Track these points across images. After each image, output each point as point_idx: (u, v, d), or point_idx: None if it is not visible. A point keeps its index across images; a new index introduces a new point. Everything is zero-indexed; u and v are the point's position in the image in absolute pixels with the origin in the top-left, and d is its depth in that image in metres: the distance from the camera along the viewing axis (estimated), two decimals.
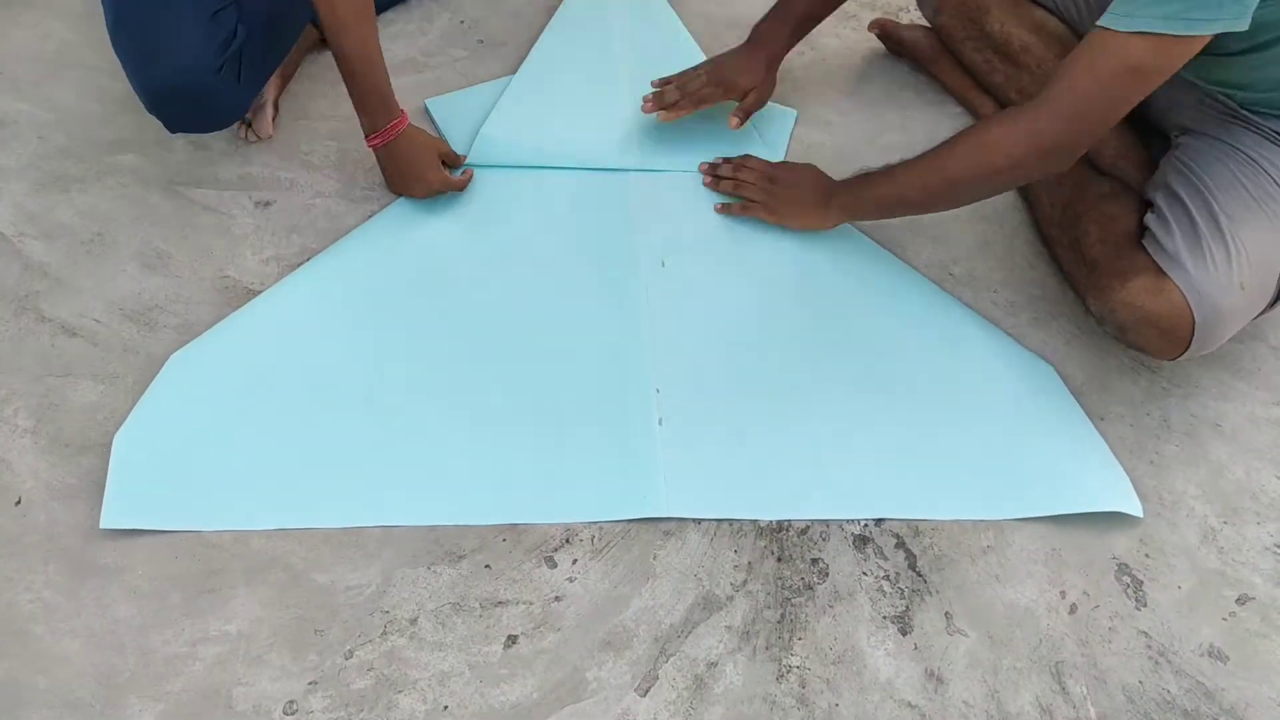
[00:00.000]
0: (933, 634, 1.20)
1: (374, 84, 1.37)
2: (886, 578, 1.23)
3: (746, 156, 1.55)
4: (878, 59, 1.76)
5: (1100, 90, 1.18)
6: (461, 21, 1.75)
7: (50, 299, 1.36)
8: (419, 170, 1.44)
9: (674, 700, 1.13)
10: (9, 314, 1.34)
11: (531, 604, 1.18)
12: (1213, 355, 1.43)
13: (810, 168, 1.52)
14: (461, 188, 1.49)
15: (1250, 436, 1.39)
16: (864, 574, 1.23)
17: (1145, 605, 1.24)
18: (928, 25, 1.71)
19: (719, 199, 1.54)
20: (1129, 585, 1.25)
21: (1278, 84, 1.30)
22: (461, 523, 1.22)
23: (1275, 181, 1.31)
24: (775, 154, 1.60)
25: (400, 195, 1.49)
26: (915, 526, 1.27)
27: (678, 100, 1.54)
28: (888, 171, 1.39)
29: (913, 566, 1.25)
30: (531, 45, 1.70)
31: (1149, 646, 1.21)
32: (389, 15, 1.75)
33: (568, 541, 1.22)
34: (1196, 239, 1.27)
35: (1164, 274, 1.27)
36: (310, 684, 1.11)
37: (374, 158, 1.46)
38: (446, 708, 1.10)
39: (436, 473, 1.26)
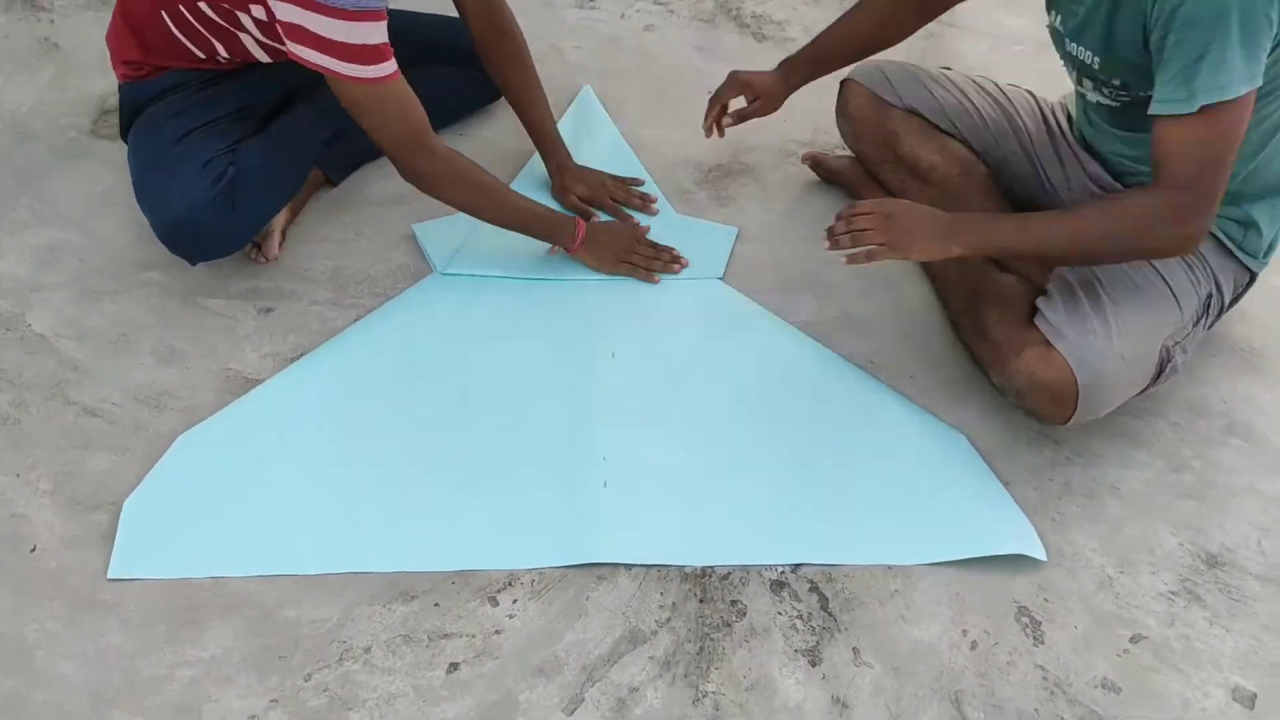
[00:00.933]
0: (840, 665, 1.31)
1: (538, 220, 1.72)
2: (800, 617, 1.35)
3: (852, 204, 1.51)
4: (813, 186, 1.99)
5: (1199, 167, 1.32)
6: None
7: (77, 387, 1.57)
8: (619, 253, 1.77)
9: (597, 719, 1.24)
10: (41, 399, 1.55)
11: (474, 636, 1.31)
12: (1113, 429, 1.56)
13: (918, 204, 1.52)
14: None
15: (1147, 499, 1.51)
16: (779, 613, 1.35)
17: (1043, 643, 1.34)
18: (853, 156, 1.93)
19: (669, 302, 1.73)
20: (1028, 625, 1.36)
21: None
22: (418, 569, 1.37)
23: (1158, 274, 1.49)
24: (716, 266, 1.80)
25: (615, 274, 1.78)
26: (829, 573, 1.40)
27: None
28: (1020, 220, 1.49)
29: (824, 608, 1.36)
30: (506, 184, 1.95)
31: (1045, 678, 1.31)
32: (384, 159, 2.00)
33: (510, 584, 1.36)
34: (1080, 314, 1.45)
35: (1051, 345, 1.44)
36: (271, 701, 1.24)
37: (382, 272, 1.74)
38: None
39: (400, 527, 1.41)
